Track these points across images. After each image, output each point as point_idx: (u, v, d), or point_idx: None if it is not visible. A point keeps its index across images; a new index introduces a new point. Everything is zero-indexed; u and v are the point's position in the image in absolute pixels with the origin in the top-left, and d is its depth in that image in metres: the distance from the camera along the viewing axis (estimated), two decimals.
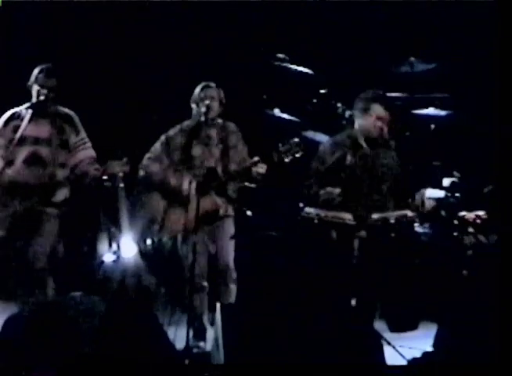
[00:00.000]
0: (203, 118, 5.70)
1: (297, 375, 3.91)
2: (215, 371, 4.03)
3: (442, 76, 6.82)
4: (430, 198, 5.82)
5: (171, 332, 4.63)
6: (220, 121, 5.85)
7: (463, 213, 5.99)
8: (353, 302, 5.44)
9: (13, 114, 5.60)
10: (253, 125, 6.35)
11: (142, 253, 5.90)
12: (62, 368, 3.84)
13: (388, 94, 6.25)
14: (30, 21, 7.22)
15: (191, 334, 5.10)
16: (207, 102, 5.70)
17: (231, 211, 5.75)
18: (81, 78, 6.76)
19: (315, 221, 5.61)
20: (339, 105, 6.51)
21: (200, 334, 5.58)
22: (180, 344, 4.79)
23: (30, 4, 6.92)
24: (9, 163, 5.46)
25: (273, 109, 6.71)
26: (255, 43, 7.26)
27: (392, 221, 5.58)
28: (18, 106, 5.64)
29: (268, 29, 7.33)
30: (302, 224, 5.69)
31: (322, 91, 6.70)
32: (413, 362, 4.12)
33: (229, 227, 5.74)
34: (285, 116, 6.73)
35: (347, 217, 5.59)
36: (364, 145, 5.87)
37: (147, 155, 5.79)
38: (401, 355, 4.44)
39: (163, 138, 5.82)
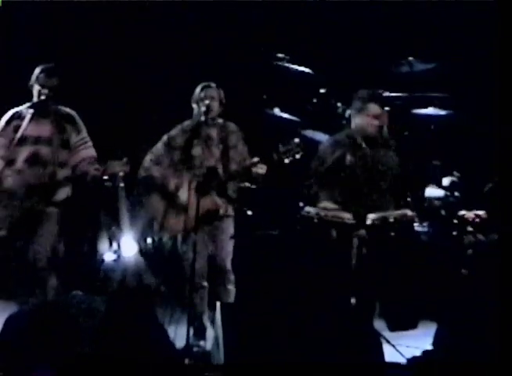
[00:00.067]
0: (203, 118, 5.70)
1: (296, 374, 3.92)
2: (215, 371, 4.04)
3: (442, 76, 6.82)
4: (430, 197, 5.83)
5: (171, 331, 4.62)
6: (220, 120, 5.84)
7: (462, 212, 6.01)
8: (353, 301, 5.44)
9: (14, 114, 5.59)
10: (253, 125, 6.35)
11: (143, 252, 5.91)
12: (62, 368, 3.85)
13: (388, 94, 6.26)
14: (31, 21, 7.23)
15: (191, 333, 5.11)
16: (207, 102, 5.70)
17: (231, 211, 5.75)
18: (81, 78, 6.77)
19: (315, 220, 5.62)
20: (339, 104, 6.52)
21: (200, 333, 5.57)
22: (180, 343, 4.80)
23: (30, 4, 6.94)
24: (10, 162, 5.46)
25: (273, 108, 6.71)
26: (255, 43, 7.27)
27: (392, 220, 5.59)
28: (19, 105, 5.64)
29: (268, 29, 7.34)
30: (302, 223, 5.70)
31: (321, 90, 6.71)
32: (413, 361, 4.12)
33: (229, 227, 5.74)
34: (285, 115, 6.74)
35: (347, 216, 5.60)
36: (363, 145, 5.88)
37: (149, 156, 5.77)
38: (400, 354, 4.44)
39: (165, 138, 5.82)
